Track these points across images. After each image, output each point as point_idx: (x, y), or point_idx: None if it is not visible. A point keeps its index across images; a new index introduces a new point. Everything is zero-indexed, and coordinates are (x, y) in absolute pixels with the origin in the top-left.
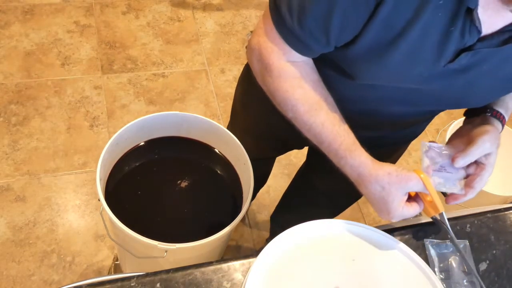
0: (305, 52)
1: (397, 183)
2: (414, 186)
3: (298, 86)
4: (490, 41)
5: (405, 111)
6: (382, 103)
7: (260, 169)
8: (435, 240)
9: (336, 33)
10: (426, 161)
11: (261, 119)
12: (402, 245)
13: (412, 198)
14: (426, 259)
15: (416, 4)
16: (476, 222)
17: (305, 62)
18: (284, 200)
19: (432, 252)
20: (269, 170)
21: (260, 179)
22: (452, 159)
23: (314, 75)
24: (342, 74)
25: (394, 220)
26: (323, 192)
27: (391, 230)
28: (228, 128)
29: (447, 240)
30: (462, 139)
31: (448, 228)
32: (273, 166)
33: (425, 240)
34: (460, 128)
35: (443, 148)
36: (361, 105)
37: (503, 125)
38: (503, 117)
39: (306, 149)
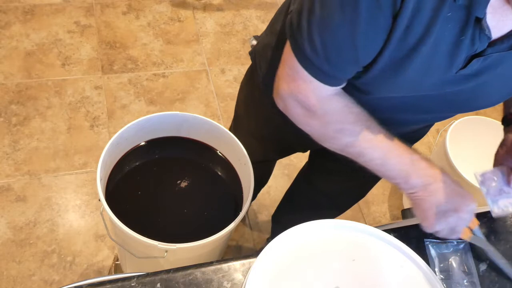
0: (337, 83)
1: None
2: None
3: (346, 112)
4: (500, 46)
5: (417, 118)
6: (395, 112)
7: (262, 170)
8: (435, 240)
9: (363, 56)
10: (484, 189)
11: (265, 123)
12: (402, 245)
13: None
14: (426, 259)
15: (426, 20)
16: None
17: (338, 91)
18: (285, 200)
19: (432, 252)
20: (270, 172)
21: (261, 181)
22: (508, 181)
23: (347, 96)
24: (356, 90)
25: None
26: (325, 193)
27: (391, 230)
28: (230, 130)
29: (447, 240)
30: (509, 151)
31: (484, 239)
32: (274, 167)
33: (425, 240)
34: (504, 139)
35: (495, 171)
36: (373, 114)
37: None
38: None
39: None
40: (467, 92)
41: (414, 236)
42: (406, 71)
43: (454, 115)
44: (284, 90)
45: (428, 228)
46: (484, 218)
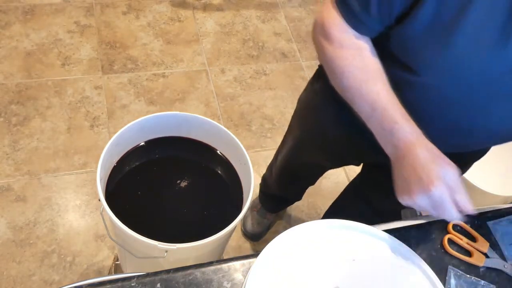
0: (360, 27)
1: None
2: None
3: (358, 55)
4: None
5: (473, 121)
6: (444, 107)
7: (311, 171)
8: (460, 271)
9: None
10: None
11: (321, 132)
12: (402, 245)
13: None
14: (426, 259)
15: None
16: (476, 222)
17: (365, 40)
18: (333, 215)
19: (452, 281)
20: (318, 174)
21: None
22: None
23: (373, 51)
24: (405, 69)
25: (433, 190)
26: (378, 211)
27: (391, 230)
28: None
29: (473, 277)
30: None
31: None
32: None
33: (449, 266)
34: None
35: None
36: (422, 113)
37: None
38: None
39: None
40: None
41: (414, 236)
42: (454, 38)
43: None
44: (318, 17)
45: (405, 199)
46: (485, 217)
